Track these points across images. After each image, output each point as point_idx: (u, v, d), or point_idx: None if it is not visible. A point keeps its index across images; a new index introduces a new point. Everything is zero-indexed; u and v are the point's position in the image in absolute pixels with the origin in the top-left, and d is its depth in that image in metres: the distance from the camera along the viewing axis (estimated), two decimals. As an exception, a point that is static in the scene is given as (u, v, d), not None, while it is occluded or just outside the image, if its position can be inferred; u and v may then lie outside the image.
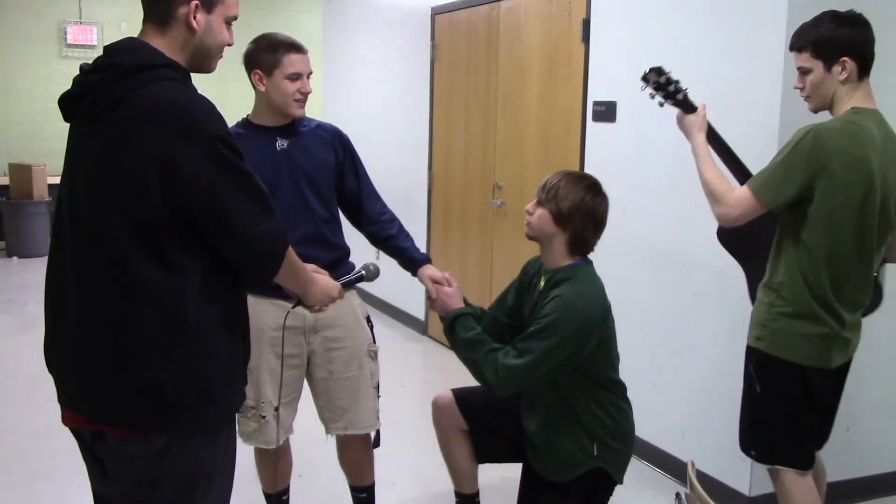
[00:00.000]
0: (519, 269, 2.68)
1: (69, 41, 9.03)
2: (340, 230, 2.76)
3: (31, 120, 8.88)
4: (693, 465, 2.81)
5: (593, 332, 2.34)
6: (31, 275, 7.38)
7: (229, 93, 6.97)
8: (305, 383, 2.76)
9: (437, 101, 5.63)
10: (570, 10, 4.17)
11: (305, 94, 2.57)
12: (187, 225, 1.63)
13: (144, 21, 1.72)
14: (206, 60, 1.77)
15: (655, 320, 3.67)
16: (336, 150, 2.71)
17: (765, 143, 3.03)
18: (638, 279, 3.74)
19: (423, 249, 2.93)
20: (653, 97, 2.60)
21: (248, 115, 2.67)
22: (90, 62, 1.70)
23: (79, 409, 1.73)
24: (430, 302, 2.62)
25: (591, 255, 2.48)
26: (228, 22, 1.78)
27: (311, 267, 2.05)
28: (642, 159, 3.70)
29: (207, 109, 1.65)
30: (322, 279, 2.08)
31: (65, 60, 8.98)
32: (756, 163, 2.59)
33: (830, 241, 2.40)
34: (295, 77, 2.53)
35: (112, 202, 1.62)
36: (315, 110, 5.64)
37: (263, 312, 2.56)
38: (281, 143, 2.61)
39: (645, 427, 3.41)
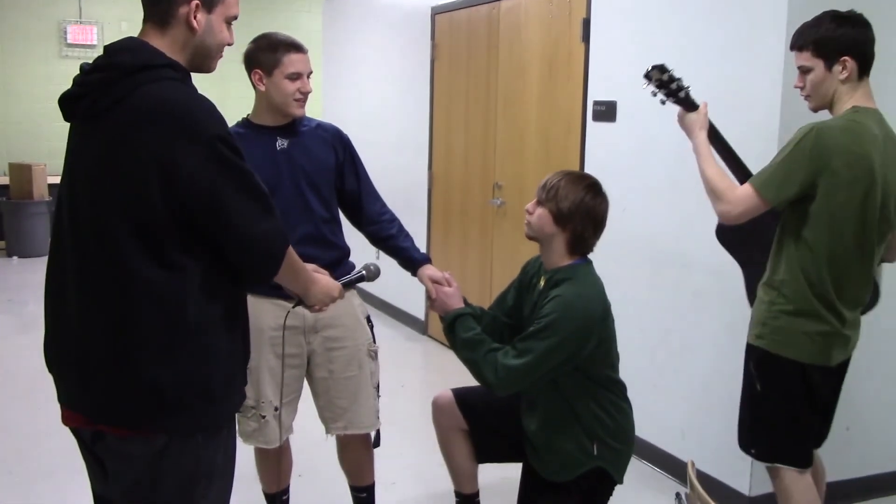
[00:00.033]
0: (519, 269, 2.68)
1: (69, 41, 9.03)
2: (340, 230, 2.76)
3: (32, 120, 8.88)
4: (693, 464, 2.81)
5: (593, 331, 2.34)
6: (31, 274, 7.38)
7: (229, 92, 6.97)
8: (305, 383, 2.76)
9: (437, 100, 5.63)
10: (571, 10, 4.17)
11: (305, 94, 2.57)
12: (187, 225, 1.63)
13: (144, 21, 1.72)
14: (206, 60, 1.77)
15: (655, 320, 3.67)
16: (336, 149, 2.71)
17: (765, 143, 3.03)
18: (638, 279, 3.74)
19: (423, 249, 2.93)
20: (655, 95, 2.60)
21: (248, 115, 2.67)
22: (90, 62, 1.70)
23: (79, 408, 1.73)
24: (430, 302, 2.62)
25: (591, 255, 2.48)
26: (228, 21, 1.78)
27: (311, 267, 2.05)
28: (642, 159, 3.70)
29: (207, 109, 1.65)
30: (323, 279, 2.08)
31: (65, 60, 8.98)
32: (756, 162, 2.60)
33: (832, 239, 2.40)
34: (295, 77, 2.53)
35: (112, 202, 1.62)
36: (315, 110, 5.64)
37: (263, 312, 2.56)
38: (281, 143, 2.61)
39: (645, 427, 3.41)
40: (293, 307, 2.23)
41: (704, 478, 3.30)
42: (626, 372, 2.54)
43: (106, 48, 1.71)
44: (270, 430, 2.64)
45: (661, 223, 3.62)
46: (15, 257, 8.36)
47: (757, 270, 2.65)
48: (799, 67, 2.49)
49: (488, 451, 2.71)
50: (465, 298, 2.60)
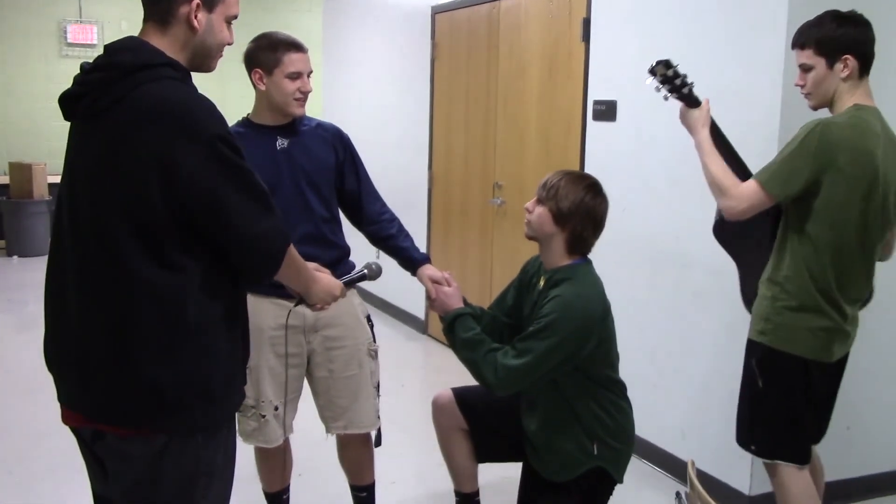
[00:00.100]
0: (519, 269, 2.68)
1: (69, 40, 9.03)
2: (340, 229, 2.76)
3: (32, 119, 8.88)
4: (693, 464, 2.81)
5: (593, 331, 2.34)
6: (31, 274, 7.37)
7: (229, 92, 6.97)
8: (305, 382, 2.76)
9: (437, 100, 5.63)
10: (571, 10, 4.17)
11: (306, 93, 2.57)
12: (187, 224, 1.63)
13: (145, 20, 1.72)
14: (206, 59, 1.77)
15: (655, 320, 3.67)
16: (336, 149, 2.71)
17: (765, 143, 3.03)
18: (638, 279, 3.74)
19: (423, 249, 2.93)
20: (658, 90, 2.60)
21: (248, 115, 2.67)
22: (91, 61, 1.70)
23: (79, 408, 1.73)
24: (430, 302, 2.62)
25: (591, 255, 2.48)
26: (229, 21, 1.78)
27: (312, 265, 2.05)
28: (642, 158, 3.70)
29: (207, 108, 1.65)
30: (324, 278, 2.09)
31: (65, 59, 8.98)
32: (756, 162, 2.60)
33: (835, 235, 2.42)
34: (295, 76, 2.53)
35: (112, 201, 1.62)
36: (315, 109, 5.64)
37: (263, 312, 2.56)
38: (281, 143, 2.61)
39: (645, 426, 3.41)
40: (295, 306, 2.23)
41: (704, 477, 3.30)
42: (626, 372, 2.54)
43: (106, 47, 1.71)
44: (270, 430, 2.64)
45: (661, 223, 3.62)
46: (15, 257, 8.36)
47: (748, 269, 2.67)
48: (800, 66, 2.50)
49: (488, 450, 2.71)
50: (464, 298, 2.60)
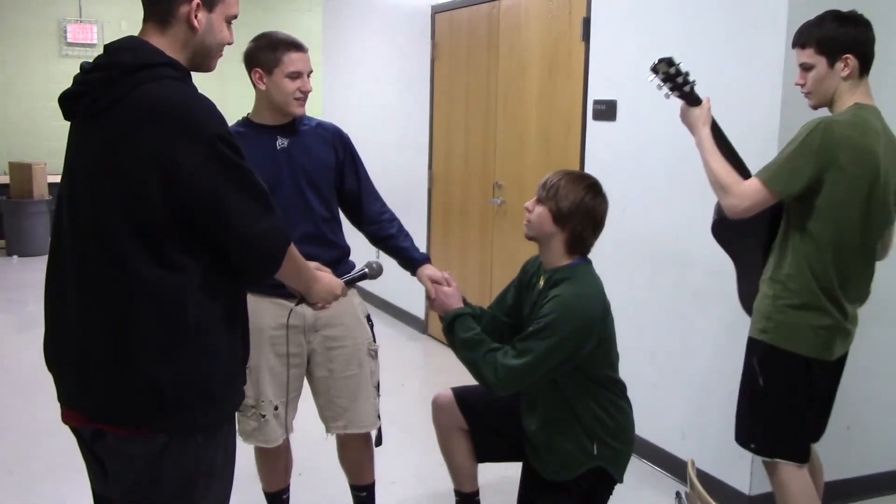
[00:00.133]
0: (519, 269, 2.68)
1: (69, 40, 9.03)
2: (340, 229, 2.76)
3: (32, 119, 8.88)
4: (693, 463, 2.81)
5: (593, 331, 2.34)
6: (31, 273, 7.37)
7: (229, 91, 6.97)
8: (305, 382, 2.76)
9: (437, 100, 5.63)
10: (571, 9, 4.17)
11: (306, 93, 2.57)
12: (187, 224, 1.63)
13: (145, 20, 1.72)
14: (206, 59, 1.77)
15: (655, 320, 3.67)
16: (336, 149, 2.71)
17: (765, 143, 3.03)
18: (638, 279, 3.74)
19: (423, 248, 2.93)
20: (660, 88, 2.60)
21: (248, 114, 2.67)
22: (91, 61, 1.70)
23: (79, 408, 1.73)
24: (430, 302, 2.62)
25: (591, 255, 2.48)
26: (229, 20, 1.78)
27: (313, 265, 2.05)
28: (643, 158, 3.70)
29: (207, 108, 1.65)
30: (325, 277, 2.09)
31: (65, 59, 8.98)
32: (756, 162, 2.60)
33: (837, 233, 2.43)
34: (295, 76, 2.53)
35: (112, 201, 1.62)
36: (315, 109, 5.64)
37: (263, 311, 2.56)
38: (281, 142, 2.61)
39: (645, 426, 3.41)
40: (296, 305, 2.23)
41: (704, 477, 3.30)
42: (625, 371, 2.54)
43: (106, 47, 1.71)
44: (270, 430, 2.64)
45: (661, 223, 3.62)
46: (15, 256, 8.36)
47: (746, 268, 2.67)
48: (801, 65, 2.51)
49: (488, 450, 2.71)
50: (464, 298, 2.60)
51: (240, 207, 1.65)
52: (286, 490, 2.93)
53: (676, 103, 2.66)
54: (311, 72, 2.61)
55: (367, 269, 2.42)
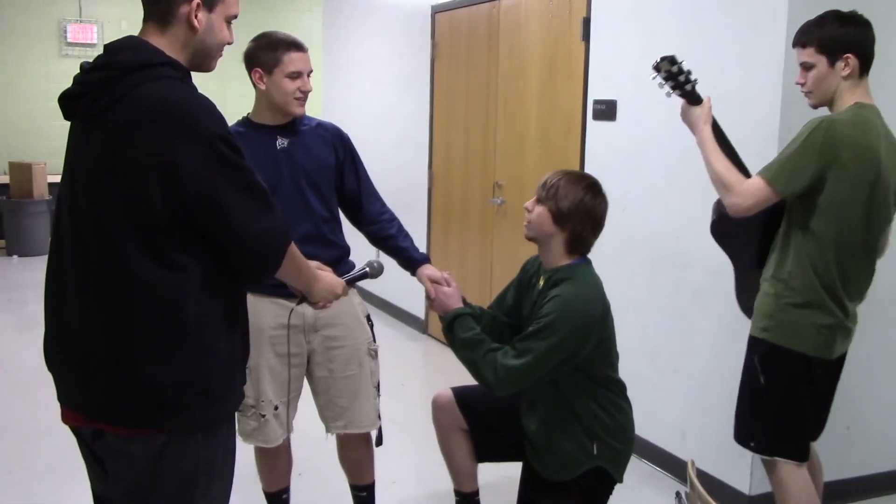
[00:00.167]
0: (519, 268, 2.68)
1: (69, 39, 9.03)
2: (340, 229, 2.76)
3: (32, 118, 8.88)
4: (693, 463, 2.81)
5: (592, 331, 2.34)
6: (31, 273, 7.38)
7: (229, 92, 6.97)
8: (305, 382, 2.76)
9: (437, 100, 5.63)
10: (571, 9, 4.17)
11: (306, 93, 2.57)
12: (187, 224, 1.63)
13: (145, 20, 1.72)
14: (206, 59, 1.77)
15: (655, 320, 3.67)
16: (336, 149, 2.71)
17: (765, 143, 3.04)
18: (638, 279, 3.74)
19: (423, 248, 2.93)
20: (661, 86, 2.61)
21: (248, 114, 2.67)
22: (91, 61, 1.70)
23: (78, 408, 1.73)
24: (429, 302, 2.62)
25: (591, 255, 2.48)
26: (229, 20, 1.78)
27: (314, 264, 2.05)
28: (643, 158, 3.70)
29: (207, 108, 1.65)
30: (326, 276, 2.09)
31: (65, 59, 8.98)
32: (756, 162, 2.60)
33: (839, 231, 2.44)
34: (295, 75, 2.53)
35: (112, 201, 1.62)
36: (315, 109, 5.64)
37: (263, 311, 2.56)
38: (281, 142, 2.61)
39: (645, 426, 3.41)
40: (297, 304, 2.22)
41: (704, 477, 3.30)
42: (626, 371, 2.54)
43: (106, 47, 1.71)
44: (270, 430, 2.64)
45: (661, 223, 3.62)
46: (15, 256, 8.36)
47: (741, 268, 2.67)
48: (801, 64, 2.52)
49: (488, 450, 2.71)
50: (464, 298, 2.60)
51: (240, 207, 1.65)
52: (286, 490, 2.92)
53: (676, 103, 2.66)
54: (311, 72, 2.61)
55: (367, 269, 2.42)
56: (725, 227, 2.68)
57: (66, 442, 1.99)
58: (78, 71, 1.71)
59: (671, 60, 2.54)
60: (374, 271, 2.43)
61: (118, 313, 1.63)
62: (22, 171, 8.34)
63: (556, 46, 4.30)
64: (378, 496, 2.93)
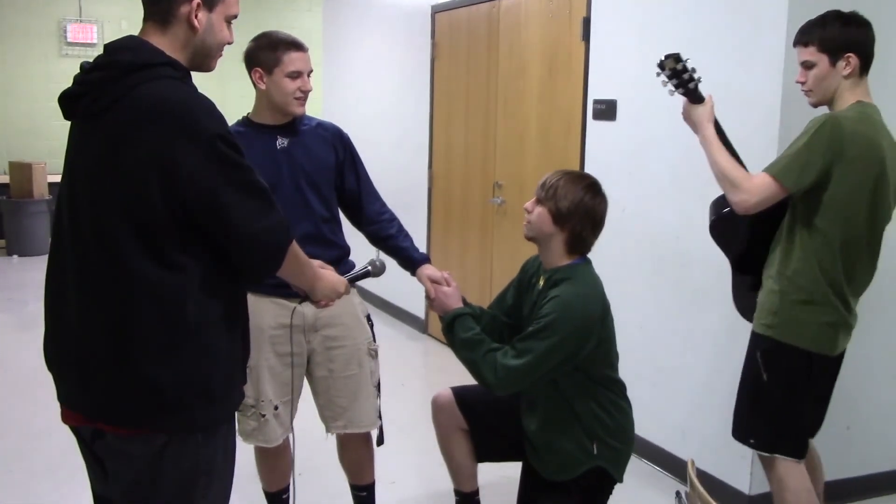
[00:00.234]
0: (519, 268, 2.68)
1: (69, 39, 9.03)
2: (340, 229, 2.76)
3: (32, 118, 8.88)
4: (693, 463, 2.81)
5: (592, 331, 2.34)
6: (31, 273, 7.38)
7: (229, 92, 6.97)
8: (305, 382, 2.76)
9: (437, 99, 5.63)
10: (571, 9, 4.17)
11: (306, 93, 2.57)
12: (187, 224, 1.63)
13: (145, 19, 1.72)
14: (206, 59, 1.77)
15: (655, 320, 3.67)
16: (336, 149, 2.71)
17: (765, 143, 3.04)
18: (638, 279, 3.74)
19: (423, 248, 2.93)
20: (665, 84, 2.61)
21: (248, 114, 2.67)
22: (91, 60, 1.70)
23: (78, 408, 1.73)
24: (429, 302, 2.62)
25: (591, 255, 2.48)
26: (229, 20, 1.78)
27: (317, 263, 2.06)
28: (643, 158, 3.70)
29: (207, 108, 1.65)
30: (328, 274, 2.10)
31: (65, 59, 8.98)
32: (756, 162, 2.60)
33: (844, 227, 2.45)
34: (295, 75, 2.53)
35: (112, 201, 1.62)
36: (315, 109, 5.64)
37: (264, 311, 2.56)
38: (281, 142, 2.61)
39: (645, 426, 3.41)
40: (300, 303, 2.22)
41: (704, 476, 3.30)
42: (626, 371, 2.54)
43: (106, 47, 1.71)
44: (270, 429, 2.64)
45: (661, 223, 3.62)
46: (15, 256, 8.36)
47: (748, 266, 2.68)
48: (802, 63, 2.53)
49: (488, 450, 2.71)
50: (464, 298, 2.60)
51: (240, 206, 1.65)
52: (286, 490, 2.92)
53: (676, 103, 2.66)
54: (311, 71, 2.61)
55: (370, 267, 2.42)
56: (724, 228, 2.69)
57: (66, 442, 1.99)
58: (78, 71, 1.71)
59: (676, 58, 2.55)
60: (377, 270, 2.43)
61: (118, 313, 1.63)
62: (22, 171, 8.34)
63: (556, 46, 4.30)
64: (378, 496, 2.94)
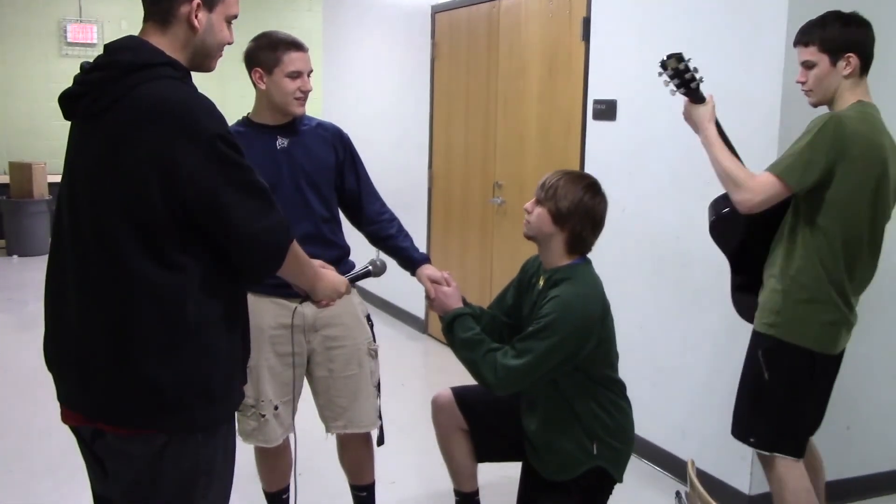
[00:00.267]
0: (519, 268, 2.68)
1: (69, 39, 9.03)
2: (340, 229, 2.76)
3: (32, 118, 8.88)
4: (693, 463, 2.81)
5: (592, 331, 2.34)
6: (31, 273, 7.38)
7: (229, 92, 6.97)
8: (305, 382, 2.76)
9: (437, 99, 5.63)
10: (571, 9, 4.17)
11: (306, 93, 2.57)
12: (187, 224, 1.63)
13: (145, 20, 1.72)
14: (206, 59, 1.77)
15: (655, 320, 3.67)
16: (336, 149, 2.71)
17: (765, 143, 3.04)
18: (638, 279, 3.74)
19: (423, 248, 2.92)
20: (667, 84, 2.61)
21: (248, 114, 2.67)
22: (91, 60, 1.70)
23: (78, 408, 1.73)
24: (429, 302, 2.62)
25: (591, 255, 2.48)
26: (229, 20, 1.78)
27: (318, 262, 2.06)
28: (643, 158, 3.70)
29: (207, 108, 1.65)
30: (329, 274, 2.10)
31: (65, 59, 8.98)
32: (756, 163, 2.60)
33: (846, 226, 2.46)
34: (295, 75, 2.53)
35: (112, 201, 1.62)
36: (315, 109, 5.64)
37: (264, 311, 2.56)
38: (281, 142, 2.61)
39: (645, 426, 3.41)
40: (300, 303, 2.22)
41: (704, 477, 3.30)
42: (626, 371, 2.54)
43: (106, 47, 1.71)
44: (270, 429, 2.64)
45: (661, 223, 3.62)
46: (15, 256, 8.36)
47: (747, 266, 2.68)
48: (803, 63, 2.54)
49: (488, 450, 2.71)
50: (464, 298, 2.60)
51: (239, 206, 1.65)
52: (286, 490, 2.92)
53: (676, 103, 2.66)
54: (311, 71, 2.61)
55: (370, 267, 2.42)
56: (724, 228, 2.69)
57: (66, 442, 1.99)
58: (78, 71, 1.71)
59: (678, 58, 2.56)
60: (377, 269, 2.43)
61: (118, 313, 1.63)
62: (22, 171, 8.34)
63: (556, 46, 4.30)
64: (378, 496, 2.94)
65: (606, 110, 3.90)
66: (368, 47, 6.59)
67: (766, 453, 2.59)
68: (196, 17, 1.70)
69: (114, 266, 1.62)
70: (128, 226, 1.61)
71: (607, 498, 2.52)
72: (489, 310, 2.67)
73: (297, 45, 2.55)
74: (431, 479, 3.44)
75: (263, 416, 2.62)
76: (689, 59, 2.57)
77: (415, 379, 5.08)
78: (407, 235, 2.81)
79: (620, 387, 2.50)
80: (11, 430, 4.02)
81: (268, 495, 2.92)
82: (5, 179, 8.50)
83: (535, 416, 2.49)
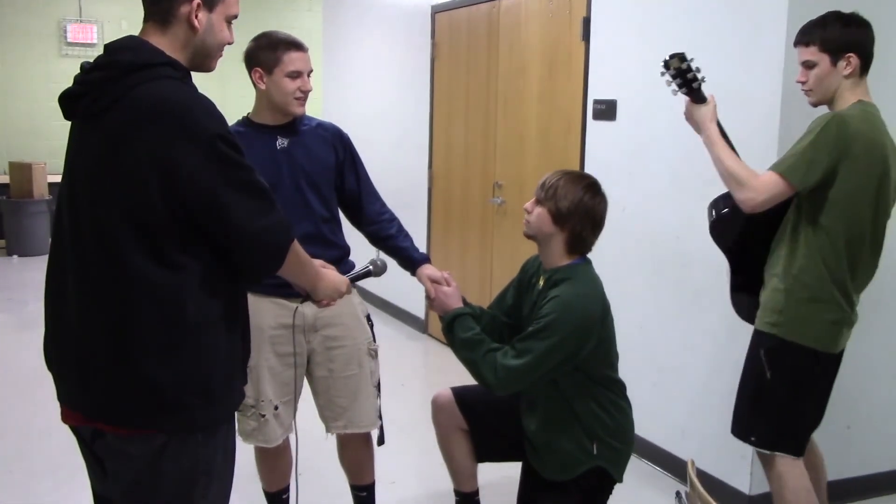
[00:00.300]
0: (519, 268, 2.68)
1: (69, 39, 9.03)
2: (340, 229, 2.76)
3: (32, 118, 8.88)
4: (693, 463, 2.81)
5: (592, 331, 2.34)
6: (31, 273, 7.38)
7: (229, 92, 6.97)
8: (306, 382, 2.76)
9: (437, 99, 5.63)
10: (571, 9, 4.17)
11: (306, 93, 2.57)
12: (187, 224, 1.63)
13: (145, 20, 1.72)
14: (206, 59, 1.77)
15: (655, 320, 3.67)
16: (336, 149, 2.71)
17: (765, 143, 3.04)
18: (638, 279, 3.74)
19: (423, 248, 2.92)
20: (669, 84, 2.62)
21: (248, 114, 2.67)
22: (91, 60, 1.70)
23: (78, 408, 1.73)
24: (429, 302, 2.62)
25: (591, 255, 2.48)
26: (229, 20, 1.78)
27: (318, 262, 2.06)
28: (643, 158, 3.70)
29: (207, 108, 1.65)
30: (330, 274, 2.10)
31: (65, 59, 8.98)
32: (757, 163, 2.60)
33: (848, 225, 2.46)
34: (295, 75, 2.53)
35: (112, 201, 1.62)
36: (315, 109, 5.64)
37: (264, 311, 2.56)
38: (281, 142, 2.61)
39: (645, 426, 3.41)
40: (301, 303, 2.22)
41: (704, 477, 3.30)
42: (626, 371, 2.54)
43: (106, 47, 1.71)
44: (270, 429, 2.64)
45: (661, 223, 3.62)
46: (15, 256, 8.36)
47: (747, 267, 2.68)
48: (803, 63, 2.55)
49: (488, 450, 2.71)
50: (464, 298, 2.60)
51: (239, 206, 1.65)
52: (286, 490, 2.92)
53: (676, 102, 2.67)
54: (311, 71, 2.61)
55: (371, 267, 2.42)
56: (724, 228, 2.69)
57: (66, 442, 1.99)
58: (78, 71, 1.71)
59: (681, 58, 2.56)
60: (378, 269, 2.43)
61: (118, 313, 1.63)
62: (22, 171, 8.34)
63: (556, 46, 4.30)
64: (378, 496, 2.94)
65: (606, 110, 3.90)
66: (368, 47, 6.59)
67: (767, 452, 2.60)
68: (196, 17, 1.70)
69: (114, 266, 1.62)
70: (128, 226, 1.61)
71: (607, 498, 2.52)
72: (489, 310, 2.67)
73: (297, 45, 2.55)
74: (431, 479, 3.44)
75: (263, 416, 2.62)
76: (691, 59, 2.57)
77: (415, 379, 5.08)
78: (407, 235, 2.81)
79: (620, 387, 2.50)
80: (11, 430, 4.02)
81: (268, 495, 2.92)
82: (5, 179, 8.50)
83: (535, 416, 2.49)
